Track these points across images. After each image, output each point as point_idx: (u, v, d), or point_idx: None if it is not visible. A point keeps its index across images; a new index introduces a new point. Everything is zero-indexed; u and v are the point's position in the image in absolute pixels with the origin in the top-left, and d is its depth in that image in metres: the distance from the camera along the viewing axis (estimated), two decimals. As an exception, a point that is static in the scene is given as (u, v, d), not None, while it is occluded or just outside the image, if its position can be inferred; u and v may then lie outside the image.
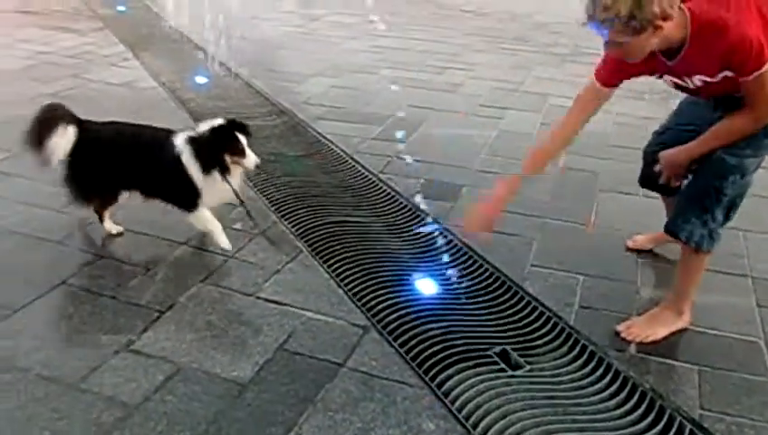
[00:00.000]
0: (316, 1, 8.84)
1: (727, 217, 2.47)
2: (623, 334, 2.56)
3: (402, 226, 3.34)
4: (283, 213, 3.37)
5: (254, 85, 5.33)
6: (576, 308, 2.71)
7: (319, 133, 4.43)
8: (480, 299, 2.77)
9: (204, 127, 2.88)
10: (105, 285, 2.72)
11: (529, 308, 2.71)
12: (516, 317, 2.66)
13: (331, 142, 4.28)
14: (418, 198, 3.59)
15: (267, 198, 3.52)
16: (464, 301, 2.76)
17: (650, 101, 4.98)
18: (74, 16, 7.36)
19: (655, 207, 3.07)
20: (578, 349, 2.47)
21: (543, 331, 2.58)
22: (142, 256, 2.94)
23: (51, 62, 5.67)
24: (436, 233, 3.28)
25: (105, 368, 2.28)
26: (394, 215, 3.44)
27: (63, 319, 2.53)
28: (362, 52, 6.46)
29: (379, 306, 2.68)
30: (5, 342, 2.38)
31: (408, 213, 3.46)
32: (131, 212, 3.24)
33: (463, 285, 2.87)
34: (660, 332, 2.56)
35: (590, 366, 2.39)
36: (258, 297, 2.70)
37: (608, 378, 2.34)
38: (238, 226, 3.22)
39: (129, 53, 6.01)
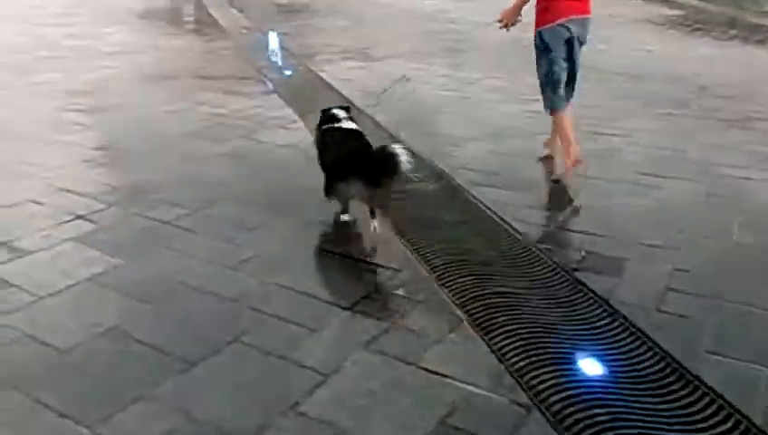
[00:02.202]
0: (467, 64, 8.97)
1: (554, 88, 4.71)
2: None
3: (563, 300, 3.27)
4: (442, 281, 3.39)
5: (412, 148, 5.43)
6: (763, 408, 2.52)
7: (476, 199, 4.45)
8: (650, 386, 2.64)
9: None
10: (273, 345, 2.83)
11: (706, 401, 2.54)
12: (692, 410, 2.51)
13: (489, 209, 4.29)
14: (580, 272, 3.50)
15: (428, 264, 3.56)
16: (632, 387, 2.64)
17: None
18: (245, 80, 7.87)
19: None
20: (763, 450, 2.29)
21: (723, 428, 2.41)
22: (308, 317, 3.04)
23: (224, 123, 6.09)
24: (600, 310, 3.18)
25: (272, 428, 2.36)
26: (555, 288, 3.38)
27: (235, 376, 2.65)
28: (517, 116, 6.47)
29: (542, 386, 2.62)
30: (185, 394, 2.52)
31: (570, 286, 3.38)
32: (299, 272, 3.38)
33: (630, 368, 2.75)
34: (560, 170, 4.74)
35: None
36: (419, 367, 2.71)
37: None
38: (400, 292, 3.27)
39: (296, 116, 6.33)
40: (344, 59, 9.18)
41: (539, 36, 4.70)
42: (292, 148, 5.44)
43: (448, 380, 2.64)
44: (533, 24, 4.77)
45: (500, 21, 4.83)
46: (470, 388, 2.59)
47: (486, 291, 3.32)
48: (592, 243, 3.84)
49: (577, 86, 4.99)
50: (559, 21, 4.60)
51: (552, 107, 4.80)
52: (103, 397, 2.49)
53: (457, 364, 2.73)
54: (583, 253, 3.73)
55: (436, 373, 2.67)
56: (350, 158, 3.79)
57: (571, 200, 4.47)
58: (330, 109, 4.20)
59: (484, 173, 4.96)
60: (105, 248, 3.61)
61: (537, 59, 4.80)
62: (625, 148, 5.52)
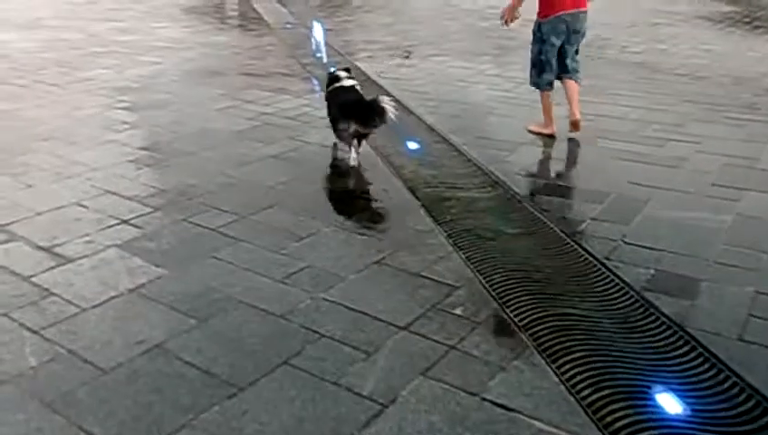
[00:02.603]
0: (518, 64, 8.68)
1: (538, 72, 5.45)
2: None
3: (635, 324, 3.03)
4: (503, 299, 3.18)
5: (466, 153, 5.23)
6: None
7: (536, 209, 4.22)
8: (738, 429, 2.39)
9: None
10: (326, 368, 2.65)
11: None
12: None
13: (550, 221, 4.05)
14: (651, 293, 3.25)
15: (486, 279, 3.35)
16: (718, 428, 2.39)
17: None
18: (291, 78, 7.73)
19: None
20: None
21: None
22: (362, 338, 2.85)
23: (271, 123, 5.94)
24: (675, 337, 2.93)
25: (327, 464, 2.18)
26: (625, 310, 3.14)
27: (286, 403, 2.47)
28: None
29: (618, 423, 2.40)
30: (233, 422, 2.36)
31: (641, 309, 3.14)
32: (351, 285, 3.20)
33: (714, 406, 2.50)
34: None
35: None
36: (484, 399, 2.51)
37: None
38: (458, 311, 3.07)
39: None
40: (389, 56, 8.98)
41: (538, 26, 5.48)
42: (340, 150, 5.26)
43: (515, 414, 2.43)
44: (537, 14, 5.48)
45: (501, 18, 5.63)
46: (539, 424, 2.39)
47: (551, 312, 3.10)
48: (663, 260, 3.59)
49: (580, 68, 5.70)
50: (556, 14, 5.32)
51: (536, 86, 5.65)
52: (147, 424, 2.34)
53: (525, 397, 2.52)
54: (653, 271, 3.48)
55: (502, 407, 2.46)
56: (347, 105, 4.81)
57: (638, 212, 4.19)
58: (335, 71, 5.24)
59: (541, 180, 4.73)
60: (149, 257, 3.48)
61: (532, 43, 5.59)
62: (694, 155, 5.21)
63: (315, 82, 7.55)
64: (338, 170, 4.87)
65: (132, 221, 3.90)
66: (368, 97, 4.85)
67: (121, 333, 2.85)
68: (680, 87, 7.48)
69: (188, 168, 4.81)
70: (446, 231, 3.89)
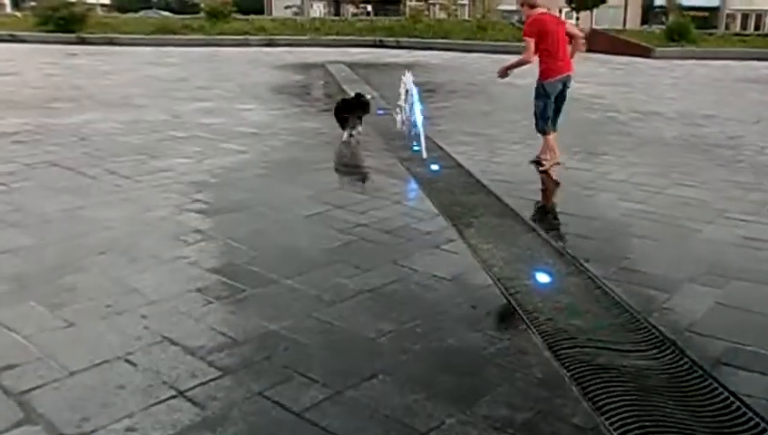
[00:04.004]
0: (645, 166, 7.58)
1: (545, 120, 6.91)
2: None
3: None
4: None
5: (611, 292, 4.12)
6: None
7: (730, 392, 3.04)
8: None
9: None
10: None
11: None
12: None
13: (761, 417, 2.86)
14: None
15: None
16: None
17: None
18: (386, 175, 6.86)
19: None
20: None
21: None
22: None
23: (367, 238, 5.00)
24: None
25: None
26: None
27: None
28: (735, 246, 5.02)
29: None
30: None
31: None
32: None
33: None
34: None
35: None
36: None
37: None
38: None
39: (453, 231, 5.17)
40: (493, 152, 8.01)
41: (542, 87, 6.82)
42: (454, 281, 4.24)
43: None
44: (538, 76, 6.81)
45: (498, 72, 7.21)
46: None
47: None
48: None
49: (562, 115, 7.16)
50: (557, 78, 6.74)
51: (544, 132, 6.99)
52: None
53: None
54: None
55: None
56: (344, 105, 8.16)
57: None
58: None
59: (726, 343, 3.55)
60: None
61: (536, 99, 6.92)
62: None
63: (413, 184, 6.61)
64: (453, 314, 3.82)
65: (191, 392, 2.94)
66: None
67: None
68: None
69: (269, 303, 3.87)
70: (615, 429, 2.76)
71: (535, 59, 6.76)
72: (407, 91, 8.09)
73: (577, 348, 3.47)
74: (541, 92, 6.82)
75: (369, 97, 8.23)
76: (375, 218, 5.43)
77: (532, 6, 6.68)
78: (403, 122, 8.27)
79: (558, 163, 6.97)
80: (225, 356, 3.28)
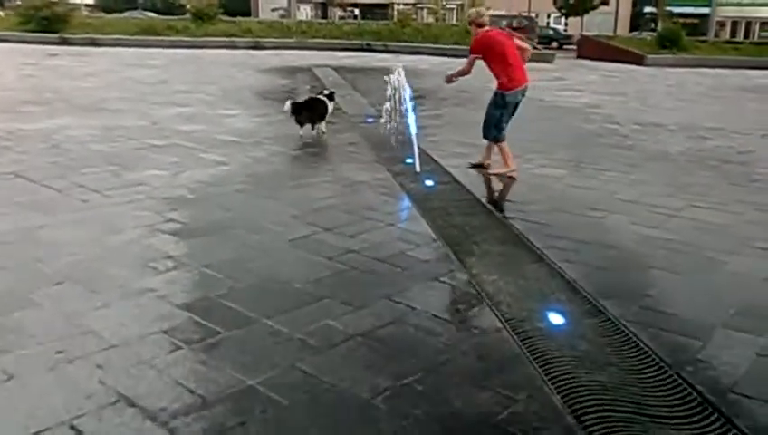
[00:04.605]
0: (655, 184, 7.12)
1: (499, 130, 7.05)
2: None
3: None
4: None
5: (633, 336, 3.64)
6: None
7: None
8: None
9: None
10: None
11: None
12: None
13: None
14: None
15: None
16: None
17: None
18: (378, 193, 6.37)
19: None
20: None
21: None
22: None
23: (359, 267, 4.49)
24: None
25: None
26: None
27: None
28: (765, 279, 4.54)
29: None
30: None
31: None
32: None
33: None
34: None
35: None
36: None
37: None
38: None
39: (453, 259, 4.66)
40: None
41: (502, 97, 6.97)
42: (460, 324, 3.75)
43: None
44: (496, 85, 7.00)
45: (446, 78, 7.38)
46: None
47: None
48: None
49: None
50: (517, 88, 6.92)
51: (498, 140, 7.10)
52: None
53: None
54: None
55: None
56: (301, 105, 8.68)
57: None
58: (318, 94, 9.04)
59: (776, 409, 3.05)
60: None
61: (493, 107, 7.07)
62: None
63: (407, 201, 6.11)
64: (458, 366, 3.31)
65: (147, 477, 2.40)
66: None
67: None
68: None
69: (247, 349, 3.36)
70: None
71: (485, 71, 7.09)
72: (394, 90, 7.51)
73: (605, 412, 2.97)
74: (499, 103, 6.97)
75: (322, 96, 8.84)
76: (366, 243, 4.92)
77: (480, 25, 7.01)
78: (391, 129, 7.67)
79: (513, 177, 7.04)
80: (191, 422, 2.76)
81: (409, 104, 7.47)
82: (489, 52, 6.92)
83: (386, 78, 7.54)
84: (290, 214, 5.56)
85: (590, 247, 5.04)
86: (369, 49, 24.88)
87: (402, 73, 7.43)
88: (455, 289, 4.23)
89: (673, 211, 5.98)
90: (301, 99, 9.12)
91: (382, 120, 7.62)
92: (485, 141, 7.29)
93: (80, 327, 3.51)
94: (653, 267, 4.68)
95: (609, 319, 3.86)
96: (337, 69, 17.81)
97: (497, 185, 6.92)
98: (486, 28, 7.08)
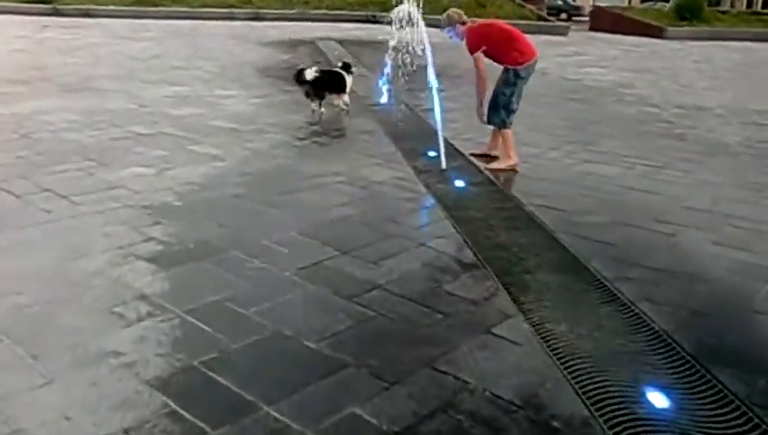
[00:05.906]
0: (714, 185, 6.09)
1: (508, 113, 6.21)
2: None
3: None
4: None
5: (710, 376, 2.64)
6: None
7: None
8: None
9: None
10: None
11: None
12: None
13: None
14: None
15: None
16: None
17: None
18: (402, 198, 5.36)
19: None
20: None
21: None
22: None
23: (386, 314, 3.48)
24: None
25: None
26: None
27: None
28: None
29: None
30: None
31: None
32: None
33: None
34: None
35: None
36: None
37: None
38: None
39: (505, 296, 3.68)
40: (526, 160, 6.51)
41: (515, 73, 6.22)
42: (531, 409, 2.76)
43: None
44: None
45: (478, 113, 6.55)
46: None
47: None
48: None
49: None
50: (530, 61, 6.26)
51: (505, 126, 6.33)
52: None
53: None
54: None
55: None
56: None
57: None
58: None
59: None
60: None
61: (502, 88, 6.31)
62: None
63: (437, 209, 5.09)
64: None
65: None
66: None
67: None
68: None
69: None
70: None
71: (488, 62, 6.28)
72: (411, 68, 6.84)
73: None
74: (511, 80, 6.24)
75: (337, 68, 8.45)
76: (394, 274, 3.91)
77: (463, 23, 6.37)
78: (408, 114, 6.69)
79: (516, 171, 6.25)
80: None
81: (435, 84, 6.45)
82: (490, 37, 6.22)
83: (402, 53, 6.54)
84: (297, 229, 4.54)
85: (673, 280, 4.02)
86: (375, 21, 23.63)
87: (428, 47, 6.39)
88: (515, 347, 3.22)
89: (758, 224, 4.95)
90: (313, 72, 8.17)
91: (398, 104, 6.63)
92: (490, 127, 6.55)
93: (5, 425, 2.49)
94: (760, 313, 3.66)
95: (733, 399, 2.84)
96: (341, 42, 16.66)
97: (539, 185, 5.88)
98: (468, 23, 6.41)
